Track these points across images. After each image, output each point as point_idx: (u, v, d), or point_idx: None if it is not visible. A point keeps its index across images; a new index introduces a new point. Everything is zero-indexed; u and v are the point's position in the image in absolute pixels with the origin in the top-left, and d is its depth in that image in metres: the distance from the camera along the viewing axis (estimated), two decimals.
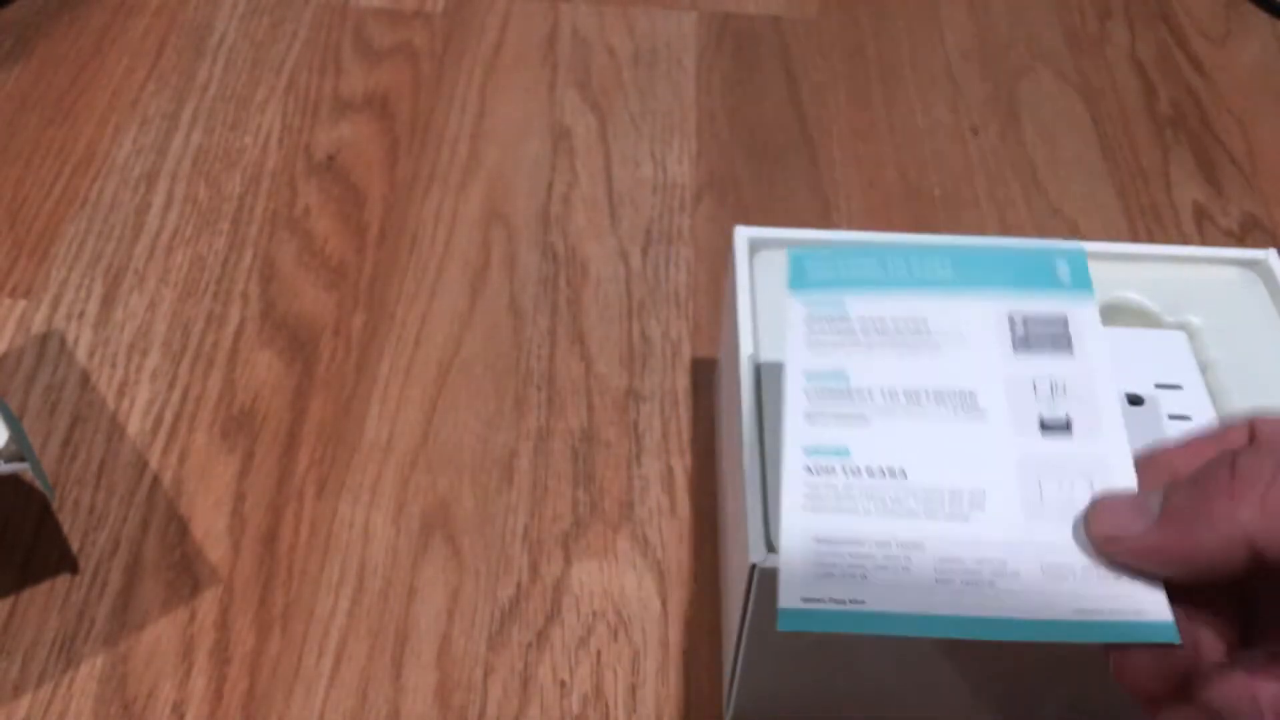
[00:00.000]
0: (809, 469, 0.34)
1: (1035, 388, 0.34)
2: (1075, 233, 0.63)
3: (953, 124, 0.69)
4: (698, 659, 0.46)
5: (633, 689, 0.45)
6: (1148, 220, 0.64)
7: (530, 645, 0.46)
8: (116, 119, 0.66)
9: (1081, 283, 0.35)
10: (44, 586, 0.47)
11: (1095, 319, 0.35)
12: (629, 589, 0.48)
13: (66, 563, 0.47)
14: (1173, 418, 0.43)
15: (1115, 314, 0.47)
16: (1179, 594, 0.30)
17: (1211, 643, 0.29)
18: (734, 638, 0.41)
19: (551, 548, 0.49)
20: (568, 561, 0.48)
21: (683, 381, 0.55)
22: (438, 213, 0.62)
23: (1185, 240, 0.63)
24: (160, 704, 0.44)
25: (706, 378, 0.55)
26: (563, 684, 0.45)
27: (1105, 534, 0.31)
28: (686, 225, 0.62)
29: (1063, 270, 0.36)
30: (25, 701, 0.44)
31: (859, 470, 0.33)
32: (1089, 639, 0.29)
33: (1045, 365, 0.34)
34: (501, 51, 0.72)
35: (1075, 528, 0.31)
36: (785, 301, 0.37)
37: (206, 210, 0.61)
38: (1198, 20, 0.77)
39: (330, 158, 0.65)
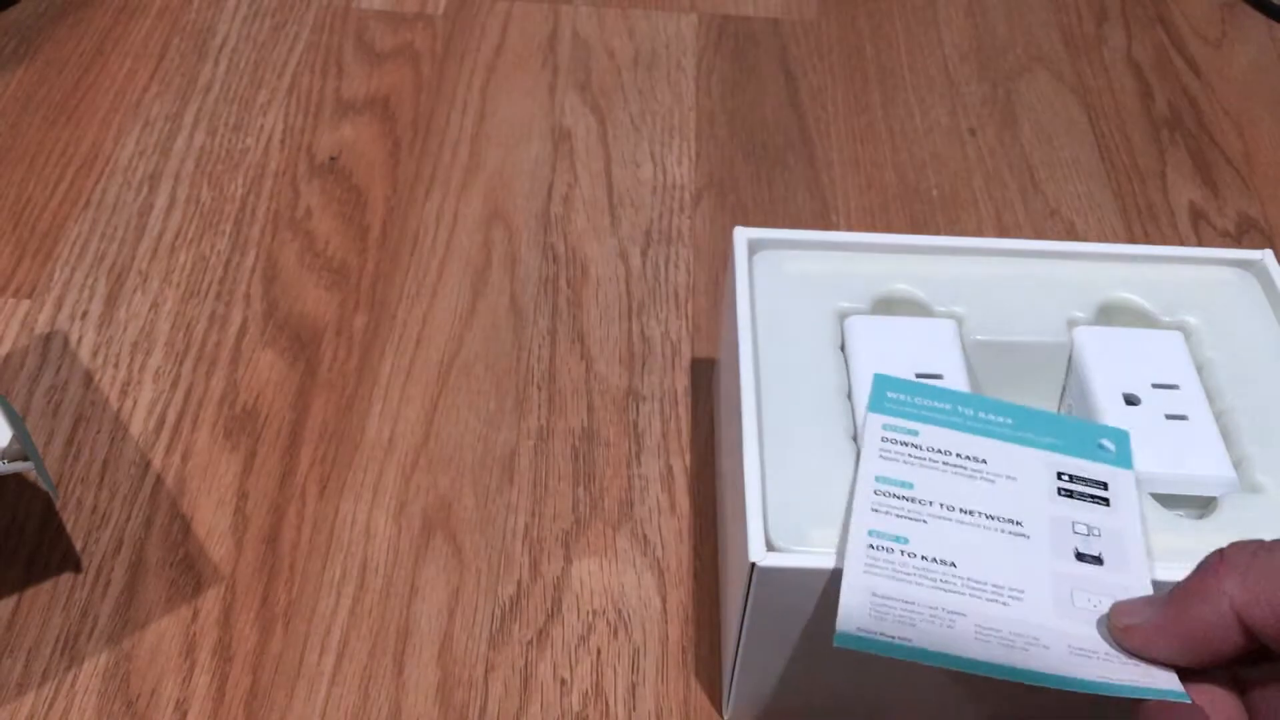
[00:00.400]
0: (871, 546, 0.37)
1: (1074, 527, 0.38)
2: (1072, 233, 0.63)
3: (950, 125, 0.69)
4: (697, 657, 0.46)
5: (632, 687, 0.45)
6: (1144, 221, 0.64)
7: (531, 643, 0.46)
8: (119, 120, 0.66)
9: (1124, 459, 0.41)
10: (47, 585, 0.47)
11: (1133, 488, 0.40)
12: (629, 587, 0.48)
13: (70, 561, 0.48)
14: (1169, 418, 0.43)
15: (1112, 314, 0.47)
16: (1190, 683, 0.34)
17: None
18: (733, 636, 0.41)
19: (552, 546, 0.49)
20: (568, 560, 0.49)
21: (682, 381, 0.55)
22: (439, 214, 0.62)
23: (1181, 241, 0.63)
24: (163, 702, 0.44)
25: (706, 378, 0.56)
26: (563, 682, 0.45)
27: (1121, 624, 0.35)
28: (686, 226, 0.63)
29: (1108, 445, 0.41)
30: (29, 699, 0.44)
31: (915, 554, 0.37)
32: (1108, 693, 0.34)
33: (1084, 513, 0.39)
34: (502, 53, 0.72)
35: (1099, 625, 0.36)
36: (867, 418, 0.42)
37: (209, 211, 0.62)
38: (1194, 22, 0.78)
39: (332, 159, 0.65)
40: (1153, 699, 0.33)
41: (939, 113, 0.70)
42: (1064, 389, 0.47)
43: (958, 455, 0.40)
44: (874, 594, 0.36)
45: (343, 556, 0.48)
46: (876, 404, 0.42)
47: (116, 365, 0.55)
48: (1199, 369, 0.45)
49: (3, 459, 0.42)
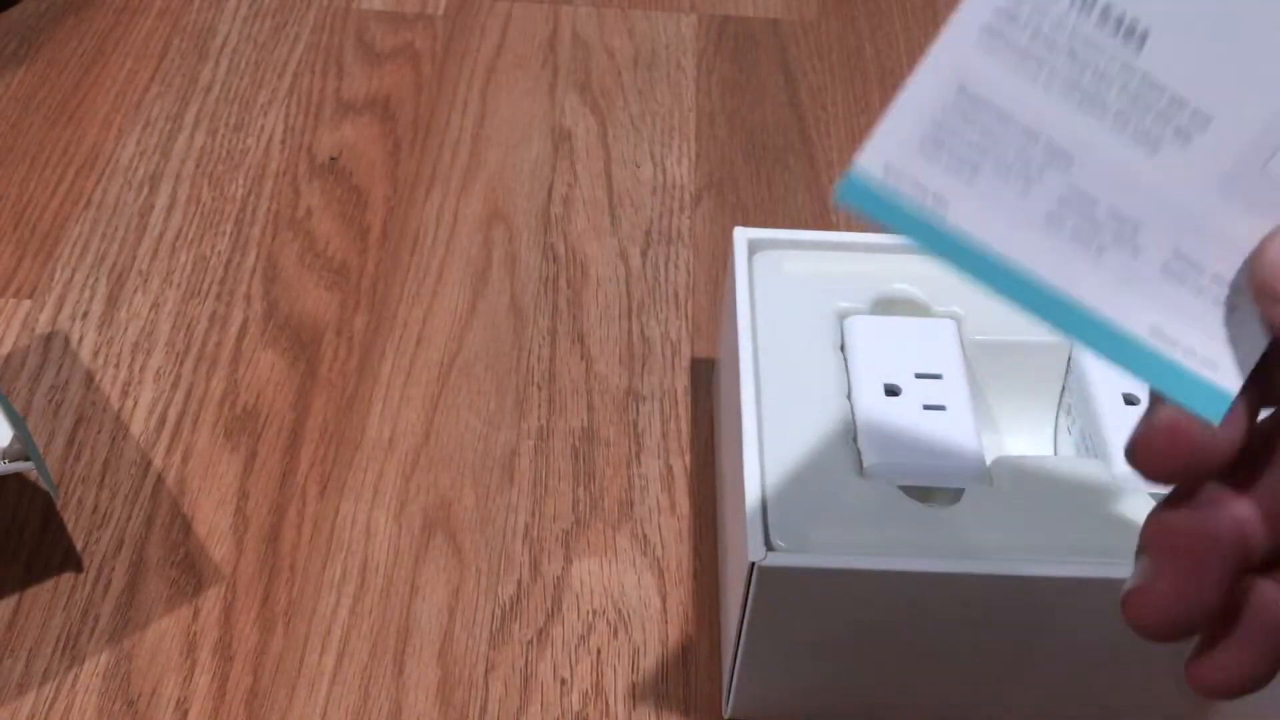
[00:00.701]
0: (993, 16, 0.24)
1: (1272, 143, 0.25)
2: None
3: None
4: (697, 656, 0.46)
5: (632, 686, 0.45)
6: None
7: (531, 643, 0.46)
8: (120, 120, 0.67)
9: None
10: (48, 585, 0.47)
11: None
12: (629, 587, 0.48)
13: (70, 561, 0.48)
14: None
15: None
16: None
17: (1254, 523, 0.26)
18: (733, 636, 0.41)
19: (552, 546, 0.49)
20: (568, 560, 0.49)
21: (682, 381, 0.55)
22: (439, 214, 0.62)
23: None
24: (164, 701, 0.44)
25: (706, 377, 0.56)
26: (563, 681, 0.45)
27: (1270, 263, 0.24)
28: (686, 226, 0.63)
29: None
30: (29, 699, 0.44)
31: (1091, 4, 0.24)
32: (1139, 370, 0.25)
33: None
34: (502, 54, 0.72)
35: (1246, 237, 0.25)
36: None
37: (210, 211, 0.62)
38: None
39: (332, 159, 0.65)
40: (1179, 402, 0.25)
41: None
42: (1063, 389, 0.47)
43: None
44: (961, 88, 0.24)
45: (343, 556, 0.49)
46: None
47: (117, 365, 0.55)
48: None
49: (3, 459, 0.42)
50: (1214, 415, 0.25)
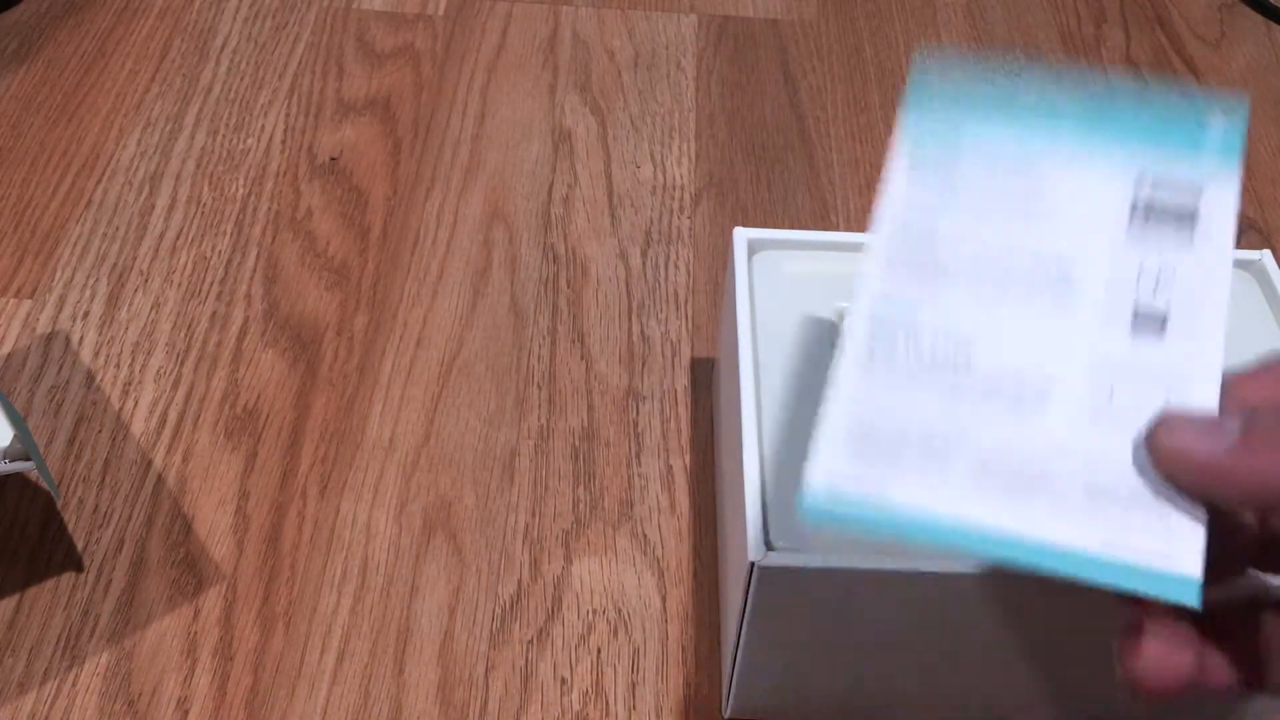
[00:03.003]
0: (874, 318, 0.31)
1: (1139, 273, 0.30)
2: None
3: None
4: (697, 656, 0.46)
5: (632, 686, 0.45)
6: None
7: (531, 642, 0.46)
8: (121, 121, 0.67)
9: (1229, 150, 0.31)
10: (49, 584, 0.47)
11: (1231, 201, 0.31)
12: (629, 587, 0.48)
13: (71, 561, 0.48)
14: None
15: None
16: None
17: (1220, 667, 0.28)
18: (733, 635, 0.41)
19: (552, 546, 0.49)
20: (568, 559, 0.49)
21: (682, 381, 0.55)
22: (439, 214, 0.62)
23: None
24: (164, 701, 0.44)
25: (706, 377, 0.56)
26: (563, 681, 0.45)
27: (1172, 449, 0.28)
28: (686, 226, 0.63)
29: (1213, 134, 0.31)
30: (30, 698, 0.44)
31: (924, 331, 0.30)
32: (1108, 581, 0.28)
33: (1158, 247, 0.30)
34: (503, 54, 0.72)
35: (1135, 441, 0.28)
36: (902, 121, 0.33)
37: (210, 211, 0.62)
38: (1193, 23, 0.78)
39: (333, 159, 0.65)
40: (1156, 598, 0.27)
41: None
42: None
43: (1005, 170, 0.32)
44: (861, 414, 0.30)
45: (343, 556, 0.49)
46: (916, 98, 0.34)
47: (118, 365, 0.55)
48: None
49: (4, 458, 0.42)
50: (1191, 599, 0.27)
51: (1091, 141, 0.32)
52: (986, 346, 0.30)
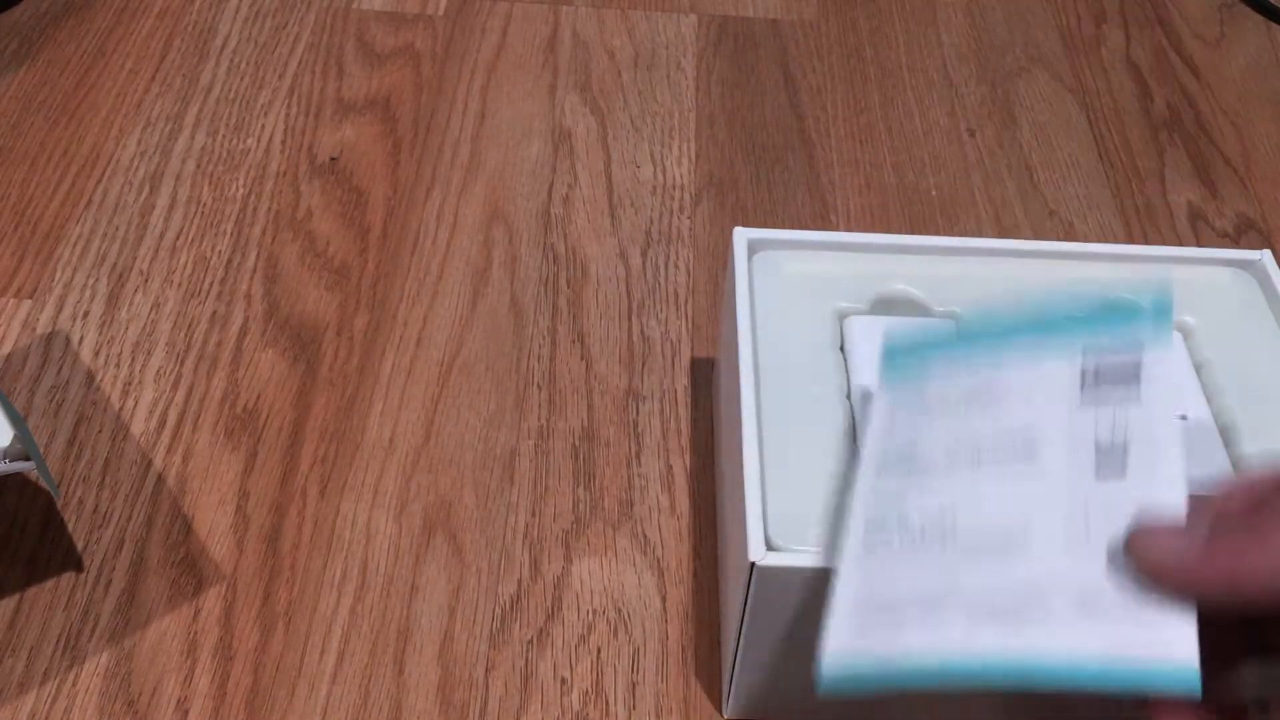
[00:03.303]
0: (868, 513, 0.36)
1: (1096, 432, 0.34)
2: (1071, 233, 0.63)
3: (949, 126, 0.70)
4: (697, 656, 0.46)
5: (632, 685, 0.45)
6: (1143, 221, 0.64)
7: (531, 642, 0.46)
8: (121, 121, 0.67)
9: (1161, 324, 0.34)
10: (49, 584, 0.47)
11: (1168, 363, 0.34)
12: (629, 586, 0.48)
13: (71, 561, 0.48)
14: None
15: None
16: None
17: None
18: (733, 635, 0.41)
19: (552, 546, 0.49)
20: (568, 559, 0.49)
21: (682, 381, 0.55)
22: (439, 214, 0.62)
23: (1180, 241, 0.63)
24: (164, 701, 0.44)
25: (706, 377, 0.56)
26: (563, 680, 0.45)
27: (1148, 558, 0.30)
28: (686, 226, 0.63)
29: (1146, 313, 0.35)
30: (30, 698, 0.44)
31: (911, 514, 0.35)
32: (1112, 686, 0.30)
33: (1109, 409, 0.34)
34: (503, 54, 0.72)
35: (1114, 557, 0.31)
36: (877, 389, 0.39)
37: (210, 211, 0.62)
38: (1193, 23, 0.78)
39: (333, 159, 0.65)
40: (1160, 694, 0.29)
41: (938, 113, 0.70)
42: None
43: (967, 393, 0.36)
44: (861, 601, 0.34)
45: (343, 556, 0.49)
46: (886, 374, 0.39)
47: (118, 365, 0.55)
48: (1197, 369, 0.45)
49: (4, 458, 0.42)
50: (1192, 688, 0.29)
51: (1038, 341, 0.36)
52: (968, 513, 0.34)
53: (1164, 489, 0.32)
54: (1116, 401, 0.34)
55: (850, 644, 0.33)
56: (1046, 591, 0.31)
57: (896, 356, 0.39)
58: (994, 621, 0.32)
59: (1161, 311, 0.35)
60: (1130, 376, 0.34)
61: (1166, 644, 0.29)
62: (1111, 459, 0.33)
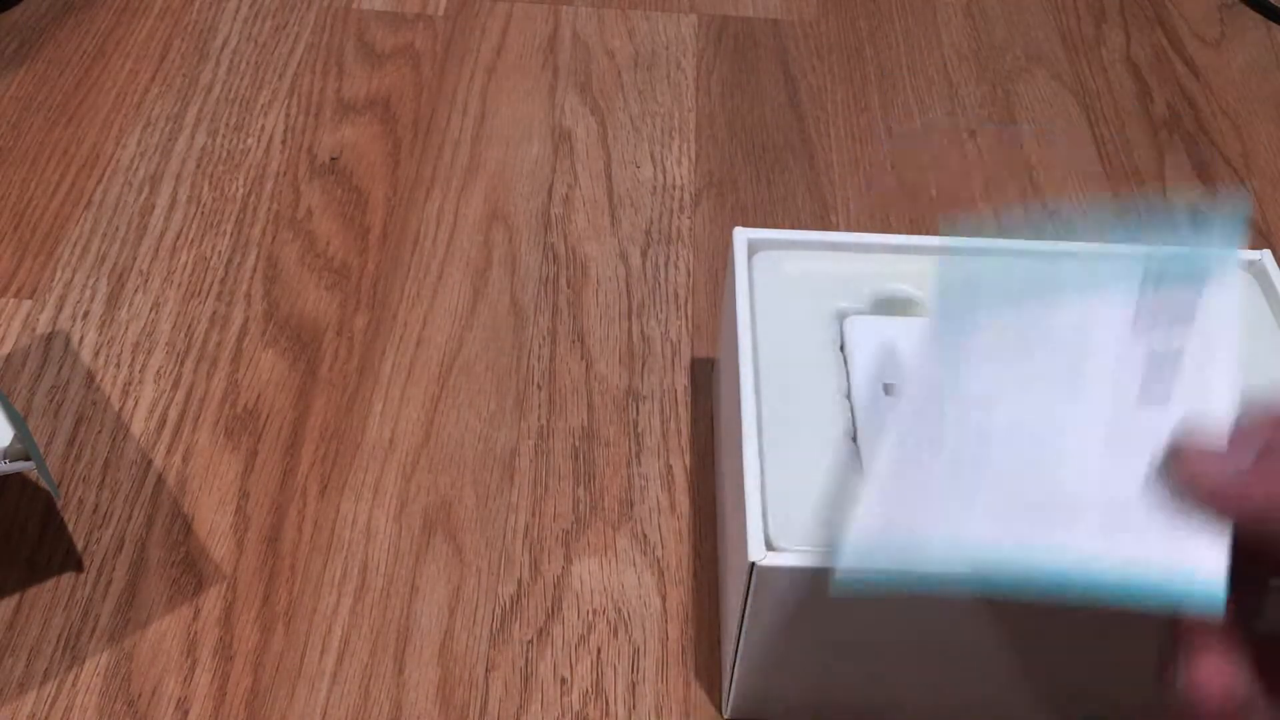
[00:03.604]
0: (901, 440, 0.34)
1: (1149, 355, 0.33)
2: (1071, 233, 0.63)
3: (949, 126, 0.70)
4: (697, 656, 0.46)
5: (632, 686, 0.45)
6: (1143, 221, 0.64)
7: (531, 642, 0.46)
8: (121, 121, 0.67)
9: (1230, 238, 0.33)
10: (49, 584, 0.47)
11: (1233, 293, 0.33)
12: (629, 586, 0.48)
13: (71, 561, 0.48)
14: None
15: None
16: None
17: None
18: (733, 635, 0.41)
19: (552, 546, 0.49)
20: (568, 559, 0.49)
21: (682, 381, 0.55)
22: (439, 214, 0.62)
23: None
24: (164, 701, 0.44)
25: (706, 377, 0.56)
26: (563, 681, 0.45)
27: (1188, 473, 0.29)
28: (686, 226, 0.63)
29: (1216, 224, 0.34)
30: (30, 698, 0.44)
31: (945, 438, 0.33)
32: (1134, 596, 0.29)
33: (1167, 331, 0.33)
34: (503, 54, 0.72)
35: (1150, 475, 0.30)
36: (929, 321, 0.37)
37: (210, 211, 0.62)
38: (1193, 23, 0.78)
39: (333, 159, 0.65)
40: (1183, 609, 0.28)
41: (938, 113, 0.70)
42: None
43: (1018, 331, 0.35)
44: (888, 491, 0.33)
45: (343, 556, 0.49)
46: (939, 304, 0.37)
47: (118, 365, 0.55)
48: None
49: (4, 458, 0.42)
50: (1216, 608, 0.28)
51: (1096, 269, 0.35)
52: (1003, 432, 0.33)
53: (1212, 412, 0.31)
54: (1174, 327, 0.33)
55: (871, 538, 0.32)
56: (1078, 503, 0.30)
57: (950, 288, 0.38)
58: (1020, 519, 0.31)
59: (1231, 228, 0.33)
60: (1189, 304, 0.33)
61: (1194, 559, 0.29)
62: (1160, 385, 0.32)
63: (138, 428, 0.52)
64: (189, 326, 0.57)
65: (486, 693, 0.45)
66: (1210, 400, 0.31)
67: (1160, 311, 0.33)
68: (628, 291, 0.59)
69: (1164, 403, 0.31)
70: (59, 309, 0.57)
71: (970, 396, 0.34)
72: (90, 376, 0.54)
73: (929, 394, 0.35)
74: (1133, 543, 0.29)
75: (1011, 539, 0.31)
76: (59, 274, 0.59)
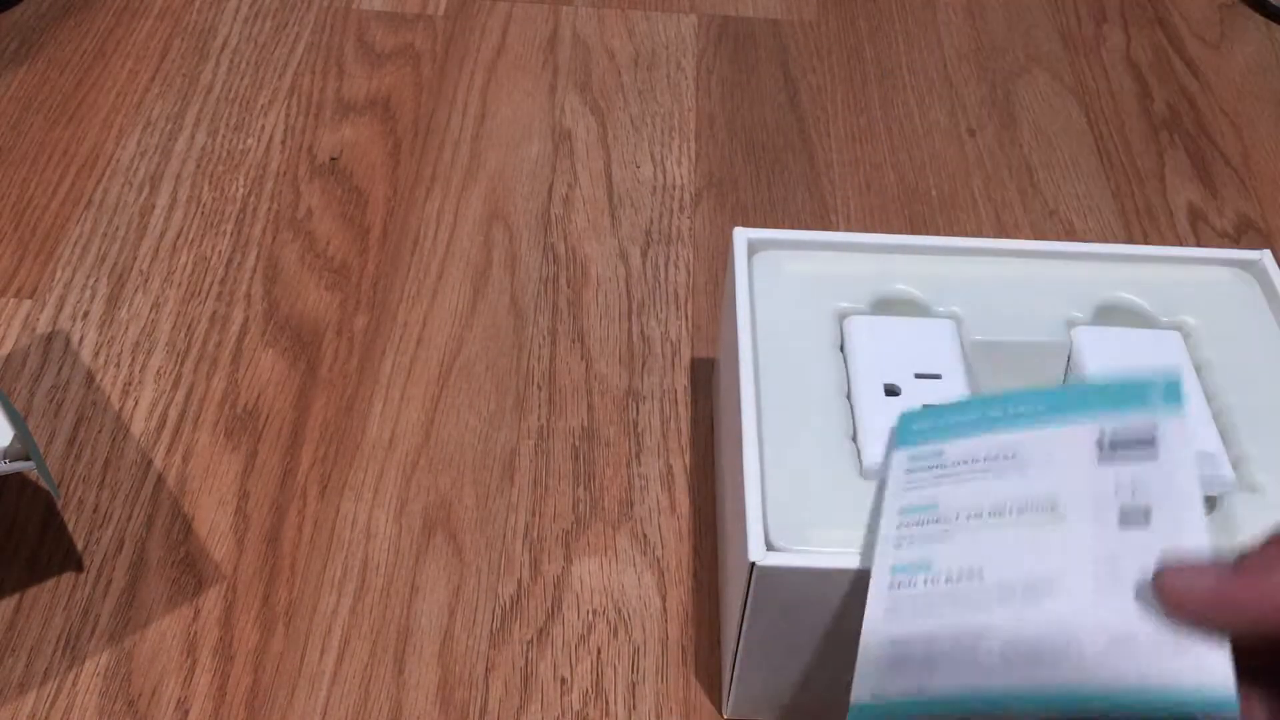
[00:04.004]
0: (893, 585, 0.36)
1: (1116, 489, 0.35)
2: (1071, 233, 0.63)
3: (950, 126, 0.70)
4: (697, 656, 0.46)
5: (632, 686, 0.45)
6: (1143, 221, 0.64)
7: (531, 642, 0.46)
8: (121, 121, 0.67)
9: (1172, 400, 0.36)
10: (49, 584, 0.47)
11: (1184, 432, 0.35)
12: (629, 586, 0.48)
13: (71, 561, 0.48)
14: None
15: (1110, 314, 0.47)
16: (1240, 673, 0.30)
17: None
18: (733, 635, 0.41)
19: (552, 546, 0.49)
20: (568, 559, 0.49)
21: (682, 381, 0.55)
22: (439, 214, 0.62)
23: (1180, 241, 0.63)
24: (164, 701, 0.44)
25: (706, 377, 0.56)
26: (563, 681, 0.45)
27: (1174, 589, 0.30)
28: (686, 226, 0.63)
29: (1155, 392, 0.36)
30: (30, 698, 0.44)
31: (938, 579, 0.35)
32: (1150, 712, 0.30)
33: (1129, 470, 0.35)
34: (503, 54, 0.72)
35: (1142, 593, 0.32)
36: (891, 456, 0.40)
37: (210, 211, 0.62)
38: (1193, 23, 0.78)
39: (333, 159, 0.65)
40: (1199, 713, 0.30)
41: (938, 113, 0.70)
42: None
43: (986, 458, 0.37)
44: (892, 640, 0.35)
45: (343, 556, 0.49)
46: (901, 439, 0.40)
47: (118, 365, 0.55)
48: (1197, 369, 0.45)
49: (4, 458, 0.42)
50: (1231, 712, 0.29)
51: (1054, 416, 0.37)
52: (995, 562, 0.34)
53: (1189, 534, 0.32)
54: (1135, 462, 0.35)
55: (881, 685, 0.34)
56: (1079, 630, 0.32)
57: (913, 424, 0.40)
58: (1027, 658, 0.32)
59: (1173, 387, 0.36)
60: (1146, 442, 0.35)
61: (1202, 671, 0.30)
62: (1134, 511, 0.34)
63: (138, 428, 0.52)
64: (189, 326, 0.57)
65: (486, 693, 0.45)
66: (1184, 520, 0.33)
67: (1119, 450, 0.35)
68: (628, 291, 0.59)
69: (1143, 526, 0.33)
70: (59, 309, 0.57)
71: (951, 526, 0.36)
72: (90, 376, 0.54)
73: (909, 525, 0.37)
74: (1140, 662, 0.31)
75: (1019, 675, 0.32)
76: (59, 274, 0.59)
